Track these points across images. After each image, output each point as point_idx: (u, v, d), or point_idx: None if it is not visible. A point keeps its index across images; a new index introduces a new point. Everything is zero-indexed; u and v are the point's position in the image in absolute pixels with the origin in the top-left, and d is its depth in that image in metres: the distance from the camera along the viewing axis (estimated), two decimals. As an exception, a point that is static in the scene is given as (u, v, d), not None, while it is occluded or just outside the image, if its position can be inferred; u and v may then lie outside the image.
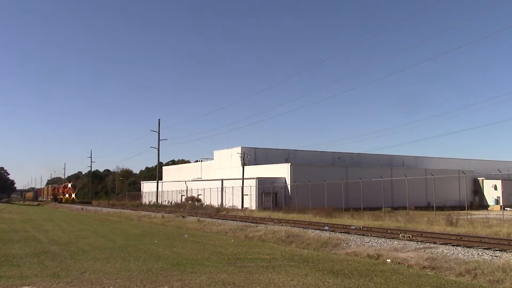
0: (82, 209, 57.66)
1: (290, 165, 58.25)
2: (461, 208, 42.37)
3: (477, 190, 66.56)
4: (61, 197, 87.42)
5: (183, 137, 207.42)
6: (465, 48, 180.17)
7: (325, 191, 41.89)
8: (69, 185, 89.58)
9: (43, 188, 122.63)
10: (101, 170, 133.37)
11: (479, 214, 40.61)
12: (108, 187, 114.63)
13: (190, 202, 58.86)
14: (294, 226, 23.77)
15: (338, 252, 15.37)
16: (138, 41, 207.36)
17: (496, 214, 37.92)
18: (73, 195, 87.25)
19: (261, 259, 13.37)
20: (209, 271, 11.04)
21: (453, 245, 15.66)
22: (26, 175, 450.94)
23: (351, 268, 11.75)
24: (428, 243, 16.30)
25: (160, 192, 70.26)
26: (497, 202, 59.82)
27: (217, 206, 53.74)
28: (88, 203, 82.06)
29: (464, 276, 10.76)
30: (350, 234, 19.91)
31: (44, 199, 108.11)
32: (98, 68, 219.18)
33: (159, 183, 69.77)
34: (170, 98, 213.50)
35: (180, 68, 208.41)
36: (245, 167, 56.01)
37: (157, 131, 67.94)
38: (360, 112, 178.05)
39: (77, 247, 16.06)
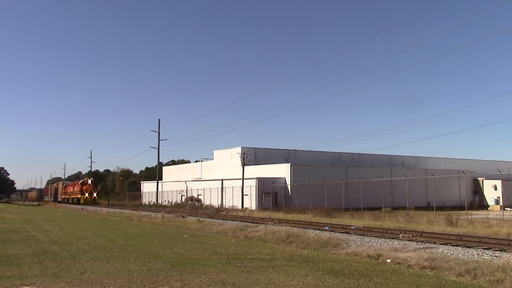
0: (82, 209, 57.65)
1: (290, 165, 58.24)
2: (461, 208, 42.35)
3: (477, 190, 66.55)
4: (78, 196, 71.97)
5: (183, 137, 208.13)
6: (465, 48, 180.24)
7: (325, 191, 41.89)
8: (89, 182, 73.28)
9: (49, 186, 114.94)
10: (101, 170, 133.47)
11: (479, 214, 40.60)
12: (108, 187, 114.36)
13: (190, 202, 58.92)
14: (294, 226, 23.77)
15: (338, 252, 15.36)
16: (138, 41, 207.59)
17: (496, 214, 37.91)
18: (95, 194, 72.04)
19: (261, 259, 13.36)
20: (209, 271, 11.03)
21: (453, 245, 15.66)
22: (26, 175, 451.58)
23: (351, 268, 11.74)
24: (428, 243, 16.30)
25: (160, 192, 70.23)
26: (497, 202, 59.83)
27: (217, 206, 53.76)
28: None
29: (464, 276, 10.75)
30: (350, 234, 19.90)
31: (51, 199, 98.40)
32: (98, 68, 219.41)
33: (159, 183, 69.76)
34: (170, 98, 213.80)
35: (180, 68, 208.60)
36: (245, 167, 55.98)
37: (157, 131, 68.02)
38: (360, 112, 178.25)
39: (77, 247, 16.04)
